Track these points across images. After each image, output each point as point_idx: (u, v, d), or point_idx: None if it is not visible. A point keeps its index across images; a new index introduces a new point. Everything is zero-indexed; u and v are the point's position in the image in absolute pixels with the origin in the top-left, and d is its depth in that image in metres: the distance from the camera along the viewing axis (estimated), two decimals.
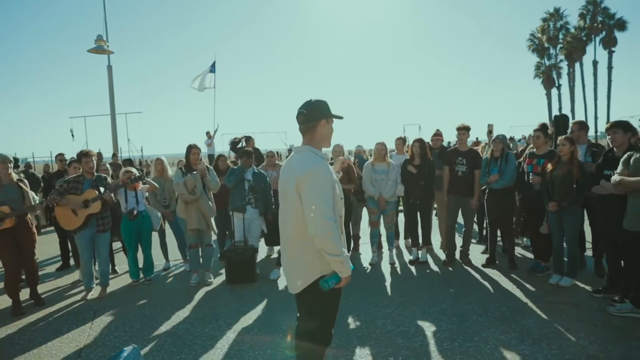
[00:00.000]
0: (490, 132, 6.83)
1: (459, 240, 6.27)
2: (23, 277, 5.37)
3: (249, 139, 8.42)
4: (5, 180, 4.87)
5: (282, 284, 5.61)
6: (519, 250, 6.60)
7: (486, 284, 5.28)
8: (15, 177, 5.00)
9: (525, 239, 7.04)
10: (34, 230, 5.14)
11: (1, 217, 4.74)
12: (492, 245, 6.03)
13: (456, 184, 5.98)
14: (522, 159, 5.86)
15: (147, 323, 4.49)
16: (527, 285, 5.12)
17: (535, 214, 5.53)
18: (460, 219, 6.26)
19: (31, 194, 5.08)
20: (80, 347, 4.00)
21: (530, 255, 6.20)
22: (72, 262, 6.78)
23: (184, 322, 4.46)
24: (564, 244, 5.14)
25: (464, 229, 6.18)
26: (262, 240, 6.44)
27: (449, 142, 14.21)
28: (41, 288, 5.51)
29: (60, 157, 7.41)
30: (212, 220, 5.89)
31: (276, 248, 6.81)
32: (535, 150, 5.55)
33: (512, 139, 18.70)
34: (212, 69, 12.74)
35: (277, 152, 19.05)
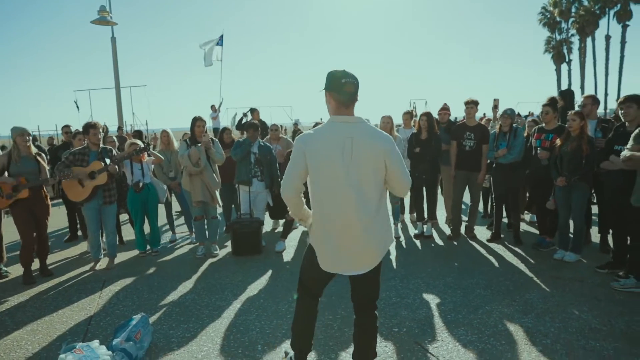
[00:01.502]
0: (495, 106, 6.74)
1: (464, 215, 6.27)
2: None
3: (253, 111, 8.36)
4: (24, 152, 4.96)
5: (287, 256, 5.66)
6: (524, 226, 6.60)
7: (491, 258, 5.30)
8: (34, 150, 5.10)
9: (530, 215, 7.04)
10: (49, 202, 5.21)
11: (16, 184, 4.83)
12: (497, 220, 6.03)
13: (463, 158, 5.95)
14: (530, 133, 5.80)
15: (155, 293, 4.56)
16: (532, 260, 5.14)
17: (542, 189, 5.50)
18: (465, 194, 6.24)
19: (47, 168, 5.14)
20: (90, 315, 4.07)
21: (535, 231, 6.21)
22: (79, 233, 6.87)
23: (191, 293, 4.53)
24: (570, 219, 5.13)
25: (470, 204, 6.18)
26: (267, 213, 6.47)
27: (456, 118, 14.07)
28: (50, 259, 5.57)
29: (66, 130, 7.41)
30: (217, 192, 5.91)
31: (281, 221, 6.84)
32: (544, 125, 5.48)
33: (518, 115, 18.47)
34: (220, 41, 12.47)
35: (282, 126, 18.96)
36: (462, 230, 6.30)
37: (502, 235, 6.01)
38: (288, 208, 2.73)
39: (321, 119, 7.94)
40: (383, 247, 2.61)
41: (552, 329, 3.52)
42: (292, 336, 2.94)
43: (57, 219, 7.43)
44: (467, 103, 6.00)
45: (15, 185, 4.85)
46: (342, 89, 2.51)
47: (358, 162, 2.46)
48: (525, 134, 5.85)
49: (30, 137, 5.10)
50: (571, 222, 5.13)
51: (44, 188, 5.18)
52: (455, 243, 5.98)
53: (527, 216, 7.13)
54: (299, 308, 2.89)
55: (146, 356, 3.30)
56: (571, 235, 5.17)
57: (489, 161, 5.89)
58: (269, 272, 5.02)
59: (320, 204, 2.56)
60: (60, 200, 7.19)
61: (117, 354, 3.12)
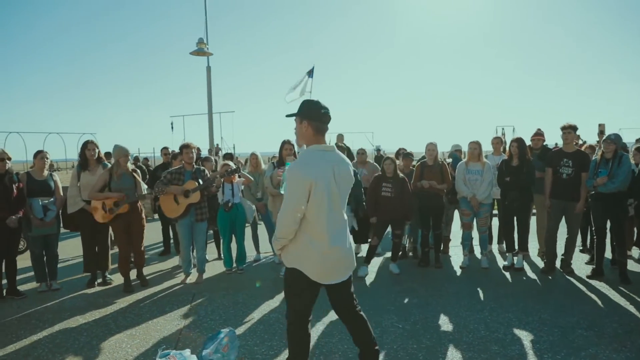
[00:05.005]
0: (601, 132, 6.23)
1: (559, 248, 5.82)
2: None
3: (339, 136, 8.50)
4: (123, 169, 5.40)
5: (369, 280, 5.60)
6: (631, 264, 5.96)
7: (593, 296, 4.84)
8: (130, 167, 5.54)
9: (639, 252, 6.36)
10: (143, 216, 5.63)
11: (118, 200, 5.27)
12: (599, 255, 5.51)
13: (560, 187, 5.56)
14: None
15: (240, 309, 4.69)
16: None
17: None
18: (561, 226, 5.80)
19: (142, 184, 5.57)
20: (180, 327, 4.28)
21: None
22: (172, 249, 7.30)
23: (274, 312, 4.60)
24: None
25: (566, 236, 5.72)
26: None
27: (547, 144, 13.22)
28: (146, 270, 5.97)
29: (165, 151, 8.01)
30: None
31: (364, 246, 6.79)
32: None
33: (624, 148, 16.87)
34: (311, 74, 12.84)
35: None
36: (558, 264, 5.83)
37: (604, 273, 5.48)
38: (278, 240, 2.79)
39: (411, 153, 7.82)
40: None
41: None
42: None
43: (153, 234, 7.97)
44: (563, 128, 5.64)
45: (116, 201, 5.29)
46: (322, 119, 2.73)
47: (341, 184, 2.75)
48: (633, 162, 5.35)
49: (129, 156, 5.55)
50: None
51: (139, 204, 5.59)
52: (550, 277, 5.55)
53: (635, 252, 6.45)
54: (298, 342, 2.90)
55: None
56: None
57: (591, 192, 5.43)
58: None
59: (320, 224, 2.68)
60: (156, 217, 7.73)
61: None
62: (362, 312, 3.02)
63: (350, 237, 2.94)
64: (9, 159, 5.08)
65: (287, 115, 2.85)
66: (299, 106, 2.81)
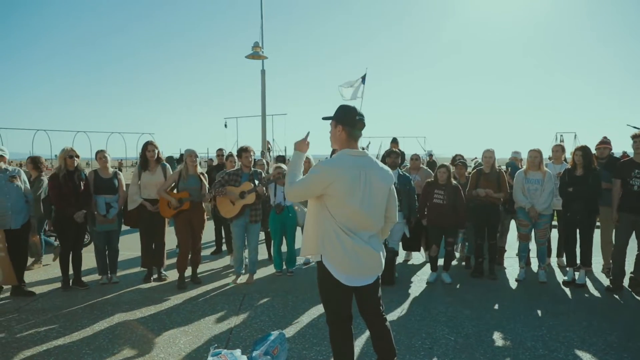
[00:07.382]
0: None
1: (628, 265, 5.44)
2: None
3: (393, 141, 8.41)
4: (191, 170, 5.66)
5: (419, 289, 5.47)
6: None
7: None
8: (199, 169, 5.79)
9: None
10: (205, 217, 5.86)
11: (182, 197, 5.51)
12: None
13: (630, 199, 5.20)
14: None
15: (289, 312, 4.72)
16: None
17: None
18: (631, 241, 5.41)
19: (207, 187, 5.77)
20: (231, 326, 4.35)
21: None
22: (224, 248, 7.48)
23: (324, 316, 4.55)
24: None
25: (636, 252, 5.34)
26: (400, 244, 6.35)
27: (612, 153, 12.41)
28: (199, 268, 6.14)
29: (219, 152, 8.23)
30: None
31: (415, 254, 6.66)
32: None
33: None
34: (363, 80, 12.78)
35: None
36: (625, 282, 5.46)
37: None
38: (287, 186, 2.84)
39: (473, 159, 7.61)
40: (383, 255, 2.91)
41: None
42: None
43: (205, 233, 8.20)
44: (635, 137, 5.28)
45: (180, 198, 5.51)
46: (356, 125, 2.79)
47: (372, 187, 2.76)
48: None
49: (197, 158, 5.81)
50: None
51: (203, 204, 5.78)
52: (617, 296, 5.20)
53: None
54: (338, 344, 2.93)
55: None
56: None
57: None
58: (402, 305, 4.89)
59: (344, 222, 2.74)
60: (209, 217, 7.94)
61: None
62: (387, 321, 3.02)
63: (381, 245, 2.93)
64: (77, 156, 5.40)
65: (324, 118, 2.92)
66: (336, 110, 2.86)
